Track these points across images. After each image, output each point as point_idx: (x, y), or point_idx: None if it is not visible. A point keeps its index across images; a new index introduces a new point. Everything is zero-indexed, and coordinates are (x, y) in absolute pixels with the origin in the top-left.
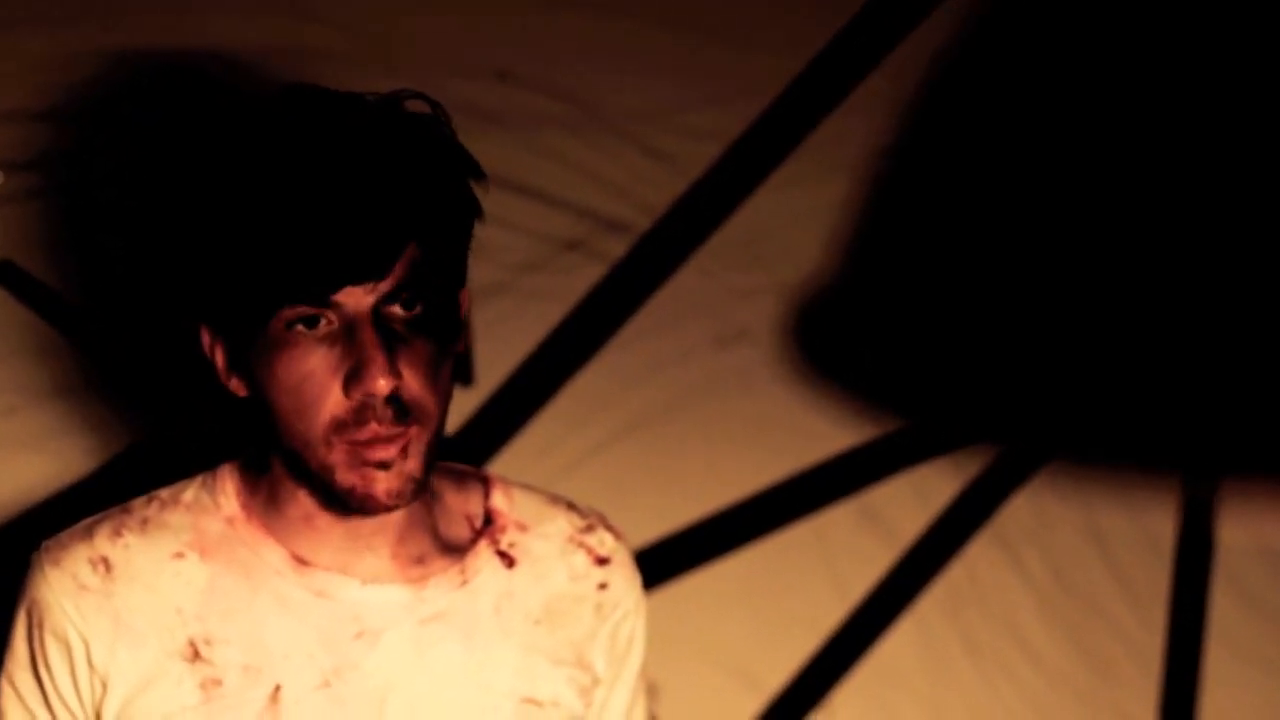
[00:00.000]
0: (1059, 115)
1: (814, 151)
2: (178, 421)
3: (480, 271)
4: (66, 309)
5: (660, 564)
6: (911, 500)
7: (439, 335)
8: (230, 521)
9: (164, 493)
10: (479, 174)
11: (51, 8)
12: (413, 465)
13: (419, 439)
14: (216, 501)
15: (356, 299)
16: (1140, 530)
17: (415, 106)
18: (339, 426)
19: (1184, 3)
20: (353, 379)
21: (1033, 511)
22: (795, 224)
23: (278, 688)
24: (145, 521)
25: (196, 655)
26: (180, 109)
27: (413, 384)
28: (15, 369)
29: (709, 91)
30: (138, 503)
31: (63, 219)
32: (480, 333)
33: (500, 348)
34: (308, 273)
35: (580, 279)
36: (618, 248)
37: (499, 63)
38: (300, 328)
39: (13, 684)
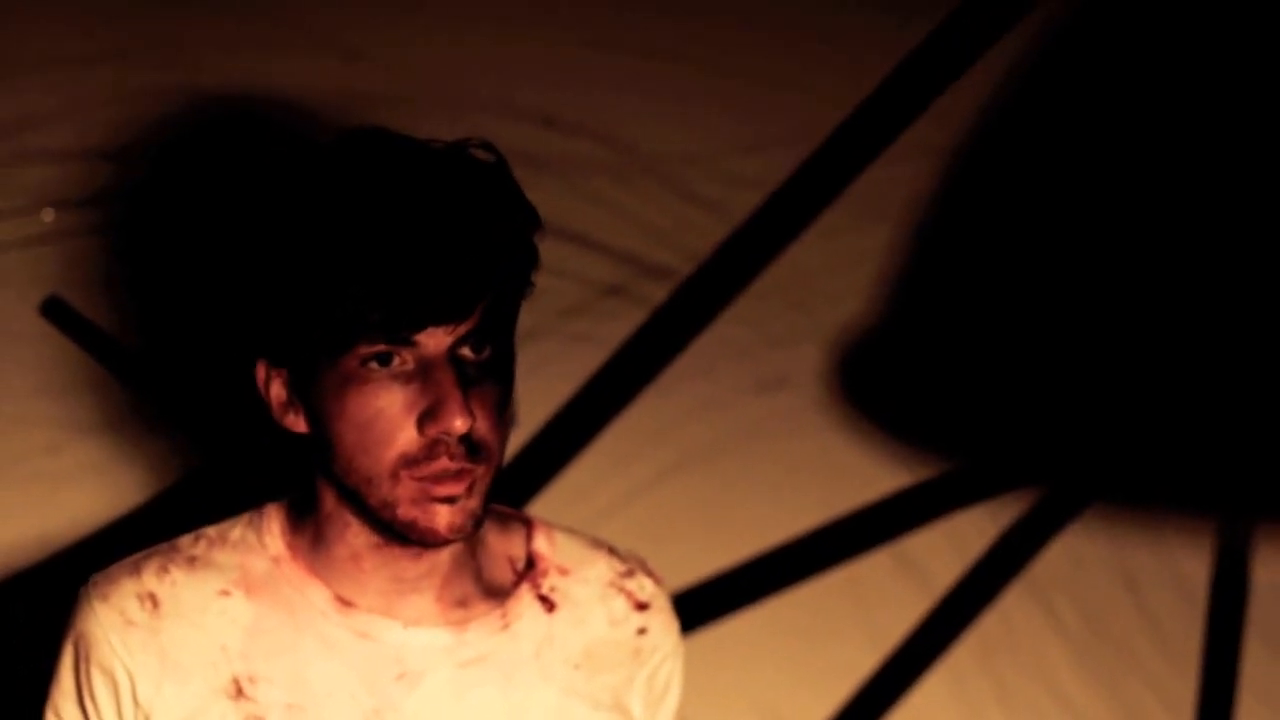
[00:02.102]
0: (1099, 161)
1: (856, 199)
2: (223, 458)
3: (523, 315)
4: (113, 345)
5: (697, 609)
6: (946, 548)
7: (503, 378)
8: (276, 561)
9: (211, 531)
10: (540, 224)
11: (103, 47)
12: (475, 503)
13: (483, 478)
14: (263, 541)
15: (436, 339)
16: (1174, 577)
17: (476, 153)
18: (409, 462)
19: (1225, 54)
20: (429, 417)
21: (1066, 558)
22: (836, 271)
23: None
24: (192, 559)
25: (240, 693)
26: (238, 148)
27: (482, 424)
28: (62, 405)
29: (753, 138)
30: (185, 540)
31: (111, 256)
32: (522, 376)
33: (541, 391)
34: (396, 311)
35: (622, 324)
36: (659, 293)
37: (544, 107)
38: (374, 365)
39: (58, 715)
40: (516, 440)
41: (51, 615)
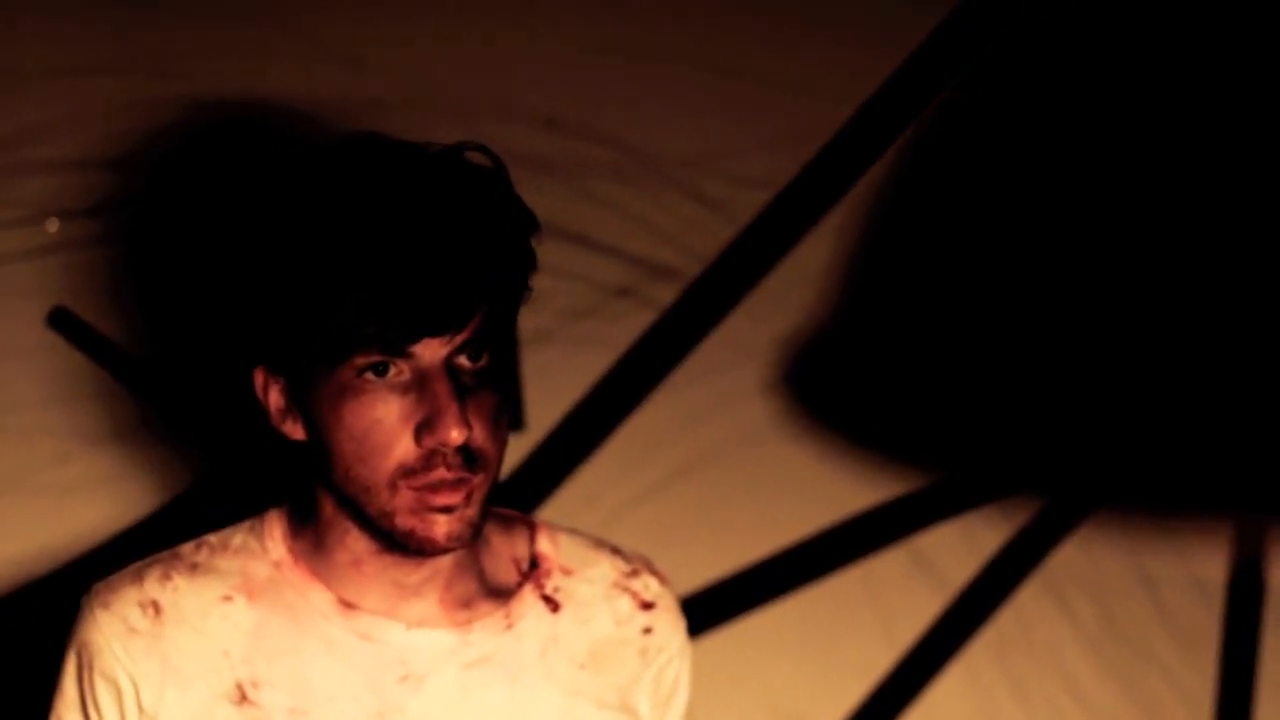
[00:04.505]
0: (1105, 156)
1: (861, 199)
2: (231, 466)
3: (530, 319)
4: (120, 355)
5: (710, 609)
6: (961, 547)
7: (501, 386)
8: (277, 565)
9: (212, 538)
10: (537, 227)
11: (108, 56)
12: (473, 511)
13: (481, 487)
14: (264, 546)
15: (432, 350)
16: (1190, 575)
17: (474, 157)
18: (406, 472)
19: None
20: (425, 428)
21: (1082, 557)
22: (843, 271)
23: None
24: (194, 566)
25: (244, 698)
26: (241, 156)
27: (479, 433)
28: (70, 415)
29: (758, 138)
30: (186, 548)
31: (117, 266)
32: (529, 379)
33: (549, 394)
34: (392, 323)
35: (629, 326)
36: (666, 294)
37: (547, 110)
38: (370, 375)
39: None
40: (526, 444)
41: (61, 626)
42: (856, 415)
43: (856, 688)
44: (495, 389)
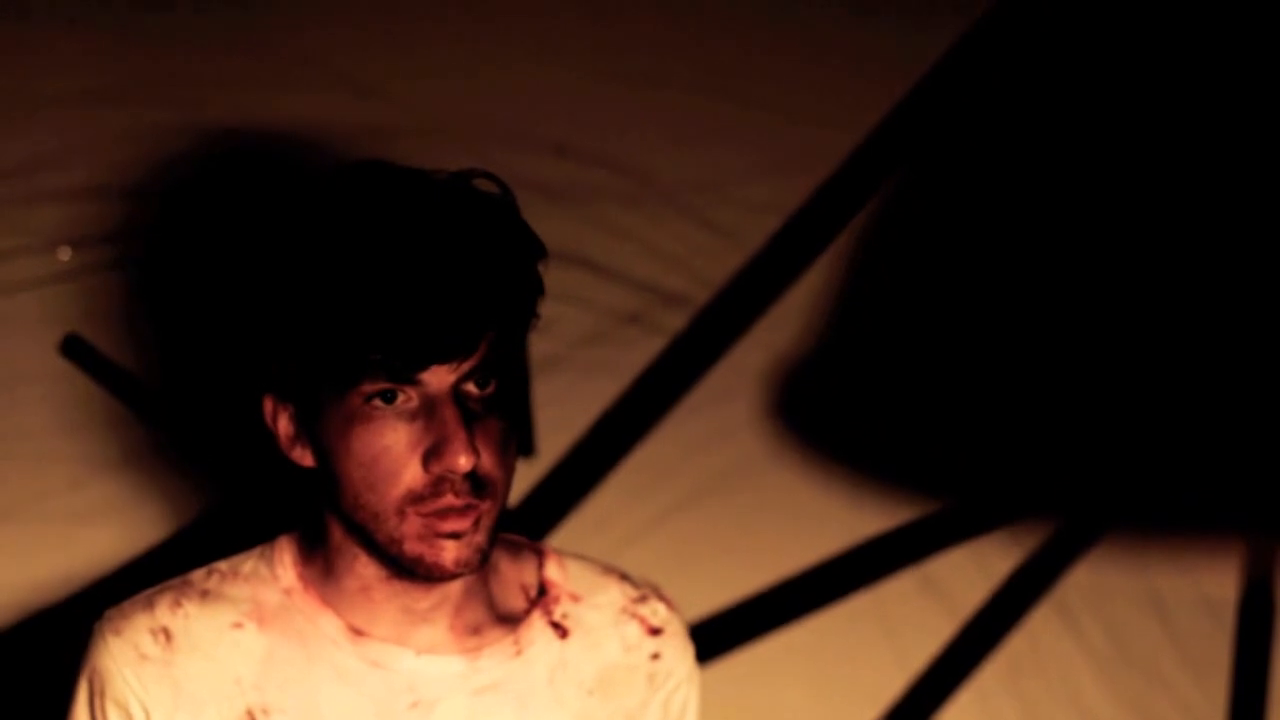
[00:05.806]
0: (1114, 173)
1: (869, 224)
2: (239, 493)
3: (540, 345)
4: (132, 382)
5: (721, 635)
6: (972, 571)
7: (509, 412)
8: (288, 592)
9: (223, 565)
10: (545, 254)
11: (113, 86)
12: (481, 537)
13: (489, 513)
14: (274, 573)
15: (440, 377)
16: (1200, 598)
17: (481, 184)
18: (415, 499)
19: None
20: (433, 455)
21: (1093, 581)
22: (852, 296)
23: None
24: (205, 593)
25: None
26: (252, 184)
27: (487, 460)
28: (81, 442)
29: (766, 164)
30: (197, 574)
31: (128, 293)
32: (540, 406)
33: (560, 421)
34: (399, 351)
35: (639, 352)
36: (676, 320)
37: (557, 137)
38: (378, 402)
39: None
40: (536, 470)
41: (72, 652)
42: (867, 441)
43: (867, 713)
44: (503, 415)
